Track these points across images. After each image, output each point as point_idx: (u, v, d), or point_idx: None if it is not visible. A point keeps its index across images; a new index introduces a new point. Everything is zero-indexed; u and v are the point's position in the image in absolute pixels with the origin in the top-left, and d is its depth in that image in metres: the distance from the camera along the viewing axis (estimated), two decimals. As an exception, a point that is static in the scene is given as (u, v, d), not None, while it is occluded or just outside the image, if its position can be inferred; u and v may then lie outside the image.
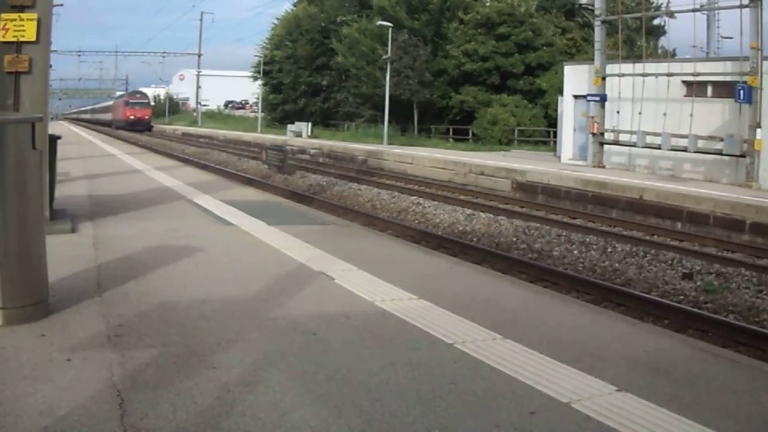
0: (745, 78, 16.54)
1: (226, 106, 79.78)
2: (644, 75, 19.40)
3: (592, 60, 21.83)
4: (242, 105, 79.62)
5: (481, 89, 35.42)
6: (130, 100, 56.74)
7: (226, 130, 48.00)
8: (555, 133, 28.23)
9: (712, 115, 17.90)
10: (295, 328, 3.83)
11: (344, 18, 42.75)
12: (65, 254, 5.31)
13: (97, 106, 79.08)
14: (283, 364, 3.27)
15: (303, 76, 46.77)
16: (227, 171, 20.24)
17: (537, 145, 32.29)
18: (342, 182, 18.15)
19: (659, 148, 18.39)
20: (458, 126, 36.15)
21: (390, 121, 32.89)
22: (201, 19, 62.57)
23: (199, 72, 62.58)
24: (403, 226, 11.58)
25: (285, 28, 49.38)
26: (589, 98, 21.13)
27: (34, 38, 5.72)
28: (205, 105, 68.53)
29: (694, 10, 20.28)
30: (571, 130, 23.05)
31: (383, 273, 5.24)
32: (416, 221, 12.77)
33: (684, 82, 18.83)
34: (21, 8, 5.69)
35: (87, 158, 17.15)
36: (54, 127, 17.75)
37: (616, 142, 20.40)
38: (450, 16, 37.72)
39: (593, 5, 21.93)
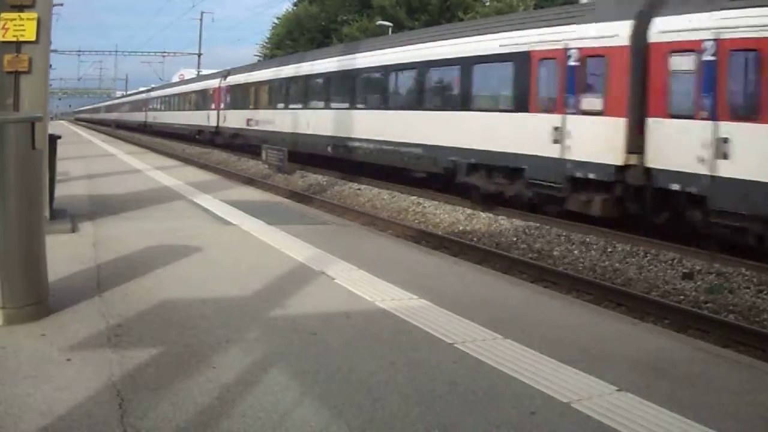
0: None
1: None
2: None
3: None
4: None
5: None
6: None
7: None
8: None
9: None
10: (295, 328, 3.83)
11: (345, 17, 42.75)
12: (65, 254, 5.31)
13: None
14: (283, 364, 3.27)
15: (304, 76, 46.80)
16: (227, 171, 20.22)
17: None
18: (342, 182, 18.12)
19: None
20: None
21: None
22: (201, 19, 62.37)
23: (199, 72, 62.54)
24: (403, 226, 11.57)
25: (285, 28, 49.30)
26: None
27: (33, 38, 5.71)
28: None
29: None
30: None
31: (383, 273, 5.24)
32: (416, 221, 12.75)
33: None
34: (21, 8, 5.68)
35: (87, 158, 17.14)
36: (52, 128, 17.70)
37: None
38: (450, 17, 37.67)
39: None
